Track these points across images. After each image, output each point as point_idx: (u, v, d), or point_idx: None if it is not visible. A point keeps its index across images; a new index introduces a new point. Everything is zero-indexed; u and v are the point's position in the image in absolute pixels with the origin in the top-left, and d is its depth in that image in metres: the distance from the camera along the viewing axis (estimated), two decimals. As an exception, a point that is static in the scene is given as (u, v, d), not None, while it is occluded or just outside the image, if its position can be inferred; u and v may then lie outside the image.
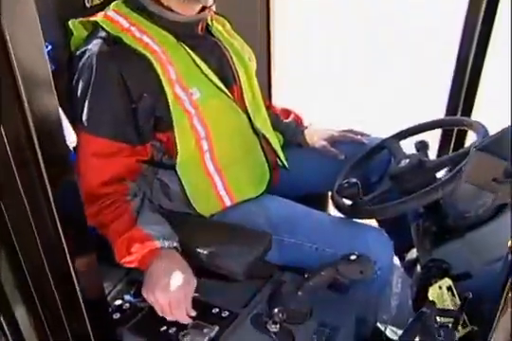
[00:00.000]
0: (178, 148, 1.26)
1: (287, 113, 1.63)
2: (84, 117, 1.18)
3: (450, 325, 0.96)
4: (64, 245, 0.94)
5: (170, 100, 1.20)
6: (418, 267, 1.44)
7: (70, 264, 0.97)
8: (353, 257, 1.07)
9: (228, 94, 1.30)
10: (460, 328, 1.08)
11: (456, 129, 1.66)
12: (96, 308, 1.05)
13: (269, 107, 1.60)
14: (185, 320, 1.12)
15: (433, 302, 0.97)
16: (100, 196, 1.20)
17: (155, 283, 1.11)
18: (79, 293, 1.01)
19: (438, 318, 0.98)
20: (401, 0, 4.52)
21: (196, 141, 1.28)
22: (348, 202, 1.31)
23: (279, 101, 1.77)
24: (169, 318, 1.12)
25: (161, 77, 1.19)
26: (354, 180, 1.26)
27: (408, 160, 1.32)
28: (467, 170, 0.75)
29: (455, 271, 1.26)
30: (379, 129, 1.60)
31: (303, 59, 3.83)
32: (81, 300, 1.01)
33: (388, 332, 1.68)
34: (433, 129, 1.45)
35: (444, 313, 0.99)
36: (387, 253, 1.28)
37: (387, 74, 3.49)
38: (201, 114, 1.26)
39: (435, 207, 1.33)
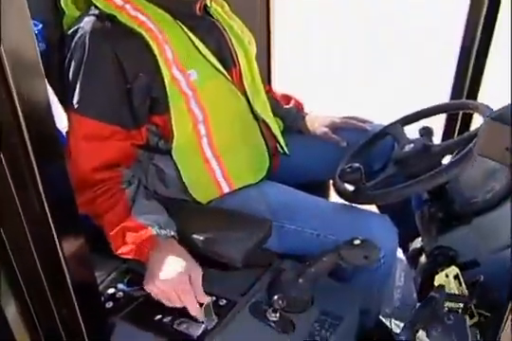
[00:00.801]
0: (174, 132, 1.21)
1: (288, 98, 1.59)
2: (76, 98, 1.13)
3: (460, 311, 0.91)
4: (53, 231, 0.90)
5: (166, 81, 1.16)
6: (423, 257, 1.40)
7: (59, 250, 0.93)
8: (356, 241, 1.03)
9: (227, 76, 1.25)
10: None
11: (460, 117, 1.61)
12: (86, 295, 1.01)
13: (269, 92, 1.56)
14: (195, 307, 1.05)
15: (442, 287, 0.93)
16: (94, 183, 1.15)
17: (157, 273, 1.05)
18: (68, 279, 0.96)
19: (447, 304, 0.93)
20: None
21: (193, 125, 1.23)
22: (350, 187, 1.27)
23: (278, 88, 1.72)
24: (178, 305, 1.05)
25: (158, 56, 1.14)
26: (357, 165, 1.21)
27: (412, 145, 1.27)
28: (480, 140, 0.70)
29: (462, 259, 1.21)
30: (383, 117, 1.56)
31: (303, 53, 3.79)
32: (70, 287, 0.97)
33: (391, 325, 1.63)
34: (438, 113, 1.40)
35: (453, 298, 0.94)
36: (391, 240, 1.23)
37: (387, 73, 3.46)
38: (199, 96, 1.21)
39: (441, 193, 1.29)
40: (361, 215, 1.25)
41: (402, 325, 1.65)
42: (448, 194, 1.28)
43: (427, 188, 1.14)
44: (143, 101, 1.16)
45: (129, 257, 1.11)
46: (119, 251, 1.11)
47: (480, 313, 0.93)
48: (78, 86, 1.13)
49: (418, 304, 0.88)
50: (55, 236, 0.91)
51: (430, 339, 0.86)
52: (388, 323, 1.61)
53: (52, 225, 0.90)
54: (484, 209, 1.16)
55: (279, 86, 1.74)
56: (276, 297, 1.03)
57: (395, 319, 1.68)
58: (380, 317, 1.54)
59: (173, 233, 1.12)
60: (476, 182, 1.27)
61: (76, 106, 1.13)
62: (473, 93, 1.51)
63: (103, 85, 1.13)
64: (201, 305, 1.04)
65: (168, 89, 1.16)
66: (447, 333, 0.85)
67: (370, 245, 1.02)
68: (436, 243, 1.22)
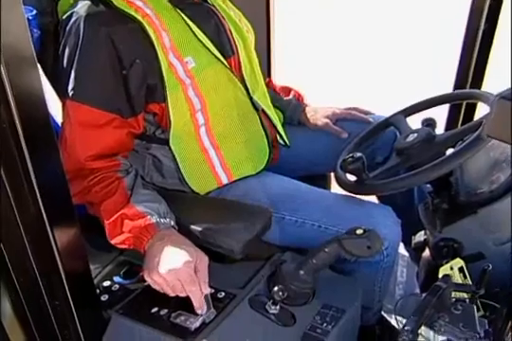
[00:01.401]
0: (172, 120, 1.18)
1: (288, 90, 1.56)
2: (71, 85, 1.10)
3: (468, 301, 0.88)
4: (46, 221, 0.88)
5: (163, 68, 1.13)
6: (427, 251, 1.37)
7: (52, 240, 0.90)
8: (359, 231, 0.99)
9: (226, 64, 1.22)
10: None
11: (464, 108, 1.58)
12: (80, 287, 0.98)
13: (269, 84, 1.53)
14: (200, 298, 1.01)
15: (448, 276, 0.90)
16: (90, 172, 1.12)
17: (159, 262, 1.01)
18: (61, 270, 0.93)
19: (454, 294, 0.89)
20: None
21: (191, 114, 1.20)
22: (352, 178, 1.23)
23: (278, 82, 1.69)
24: (182, 295, 1.02)
25: (154, 43, 1.11)
26: (359, 154, 1.17)
27: (416, 135, 1.24)
28: (489, 121, 0.67)
29: (467, 251, 1.18)
30: (384, 109, 1.53)
31: (304, 46, 3.75)
32: (63, 278, 0.94)
33: (393, 322, 1.60)
34: (442, 104, 1.37)
35: (460, 287, 0.91)
36: (395, 231, 1.19)
37: (389, 64, 3.43)
38: (197, 84, 1.18)
39: (445, 184, 1.25)
40: (364, 206, 1.22)
41: (404, 321, 1.64)
42: (451, 185, 1.25)
43: (431, 177, 1.10)
44: (140, 88, 1.13)
45: (125, 247, 1.08)
46: (116, 240, 1.08)
47: (488, 303, 0.89)
48: (72, 73, 1.10)
49: (424, 294, 0.85)
50: (48, 226, 0.89)
51: (438, 329, 0.83)
52: (390, 319, 1.59)
53: (45, 216, 0.88)
54: (489, 200, 1.13)
55: (279, 79, 1.71)
56: (276, 289, 1.00)
57: (397, 315, 1.66)
58: (382, 313, 1.52)
59: (172, 223, 1.09)
60: (481, 173, 1.24)
61: (71, 93, 1.10)
62: (477, 83, 1.47)
63: (99, 72, 1.10)
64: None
65: (165, 76, 1.13)
66: (455, 323, 0.82)
67: (373, 235, 0.98)
68: (440, 235, 1.18)
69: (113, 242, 1.09)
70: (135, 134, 1.18)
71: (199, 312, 1.01)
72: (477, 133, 1.09)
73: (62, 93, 1.14)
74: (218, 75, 1.22)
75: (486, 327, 0.82)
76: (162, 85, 1.14)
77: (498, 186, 1.13)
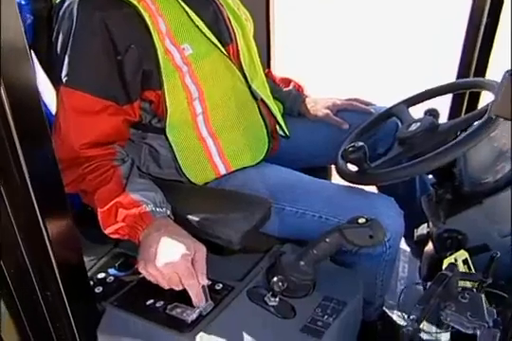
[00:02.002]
0: (168, 108, 1.15)
1: (287, 81, 1.53)
2: (64, 71, 1.07)
3: (475, 290, 0.85)
4: (37, 211, 0.85)
5: (159, 54, 1.10)
6: (429, 245, 1.33)
7: (44, 230, 0.87)
8: (361, 220, 0.96)
9: (224, 51, 1.19)
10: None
11: (467, 99, 1.55)
12: (73, 277, 0.95)
13: (268, 75, 1.50)
14: (198, 291, 0.98)
15: (454, 264, 0.86)
16: (85, 160, 1.09)
17: (155, 254, 0.98)
18: (53, 260, 0.90)
19: (460, 283, 0.86)
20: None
21: (188, 102, 1.17)
22: (353, 168, 1.20)
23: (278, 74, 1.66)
24: (178, 289, 0.98)
25: (150, 28, 1.08)
26: (360, 143, 1.14)
27: (418, 124, 1.21)
28: (497, 100, 0.65)
29: (472, 243, 1.15)
30: (385, 101, 1.50)
31: (304, 36, 3.70)
32: (55, 268, 0.91)
33: (395, 318, 1.57)
34: (445, 94, 1.34)
35: (467, 276, 0.88)
36: (398, 223, 1.16)
37: (391, 55, 3.39)
38: (194, 72, 1.15)
39: (448, 176, 1.22)
40: (366, 196, 1.19)
41: (406, 316, 1.61)
42: (455, 176, 1.22)
43: (434, 166, 1.07)
44: (135, 74, 1.10)
45: (119, 237, 1.05)
46: (109, 230, 1.04)
47: (494, 295, 0.86)
48: (66, 58, 1.07)
49: (429, 283, 0.82)
50: (39, 216, 0.86)
51: (444, 318, 0.80)
52: (392, 315, 1.56)
53: (36, 206, 0.85)
54: (494, 189, 1.10)
55: (279, 71, 1.68)
56: (275, 279, 0.97)
57: (399, 311, 1.63)
58: (384, 309, 1.49)
59: (169, 212, 1.06)
60: (485, 163, 1.20)
61: (64, 79, 1.07)
62: (481, 72, 1.44)
63: (93, 57, 1.08)
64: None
65: (161, 63, 1.10)
66: (462, 312, 0.79)
67: (375, 224, 0.95)
68: (444, 227, 1.15)
69: (107, 231, 1.06)
70: (130, 121, 1.15)
71: (197, 305, 0.98)
72: (481, 120, 1.06)
73: (56, 79, 1.11)
74: (216, 63, 1.19)
75: (495, 316, 0.79)
76: (158, 72, 1.11)
77: (503, 175, 1.10)
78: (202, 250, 0.99)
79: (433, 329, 1.55)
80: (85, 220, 1.30)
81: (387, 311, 1.51)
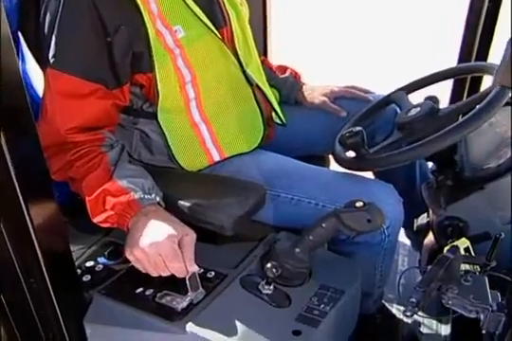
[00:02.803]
0: (160, 92, 1.11)
1: (284, 68, 1.49)
2: (51, 53, 1.03)
3: (478, 273, 0.81)
4: (20, 197, 0.81)
5: (150, 36, 1.06)
6: (429, 236, 1.30)
7: (27, 215, 0.83)
8: (358, 203, 0.92)
9: (218, 34, 1.15)
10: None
11: (468, 86, 1.51)
12: (59, 265, 0.91)
13: (264, 62, 1.46)
14: (185, 277, 0.94)
15: (456, 247, 0.83)
16: (73, 146, 1.05)
17: (142, 236, 0.95)
18: (37, 247, 0.87)
19: (463, 267, 0.82)
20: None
21: (181, 86, 1.13)
22: (351, 154, 1.16)
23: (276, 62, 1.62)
24: (165, 274, 0.95)
25: (141, 8, 1.04)
26: (358, 128, 1.11)
27: (418, 109, 1.17)
28: (500, 68, 0.61)
29: (473, 231, 1.11)
30: (385, 89, 1.46)
31: (301, 22, 3.63)
32: (39, 255, 0.87)
33: (395, 311, 1.54)
34: (445, 79, 1.30)
35: (470, 259, 0.84)
36: (397, 210, 1.12)
37: (390, 42, 3.32)
38: (186, 55, 1.11)
39: (449, 163, 1.19)
40: (364, 183, 1.15)
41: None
42: (456, 162, 1.18)
43: (434, 150, 1.03)
44: (125, 56, 1.06)
45: (109, 225, 1.02)
46: (98, 218, 1.01)
47: (498, 281, 0.82)
48: (53, 39, 1.04)
49: (429, 267, 0.78)
50: (22, 202, 0.83)
51: (446, 302, 0.76)
52: (391, 308, 1.52)
53: (19, 192, 0.81)
54: (496, 174, 1.06)
55: (276, 59, 1.65)
56: (269, 265, 0.93)
57: (398, 305, 1.59)
58: (383, 302, 1.45)
59: (158, 199, 1.02)
60: (487, 149, 1.17)
61: (52, 61, 1.04)
62: (483, 56, 1.40)
63: (81, 38, 1.04)
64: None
65: (152, 44, 1.07)
66: (465, 295, 0.75)
67: (373, 208, 0.92)
68: (445, 214, 1.11)
69: (95, 220, 1.02)
70: (120, 105, 1.12)
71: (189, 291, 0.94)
72: (482, 103, 1.03)
73: (43, 61, 1.07)
74: (209, 46, 1.15)
75: (499, 300, 0.75)
76: (149, 54, 1.07)
77: (505, 160, 1.07)
78: (191, 235, 0.96)
79: (433, 322, 1.53)
80: (75, 209, 1.27)
81: (386, 304, 1.47)
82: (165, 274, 0.94)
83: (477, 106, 1.04)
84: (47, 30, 1.05)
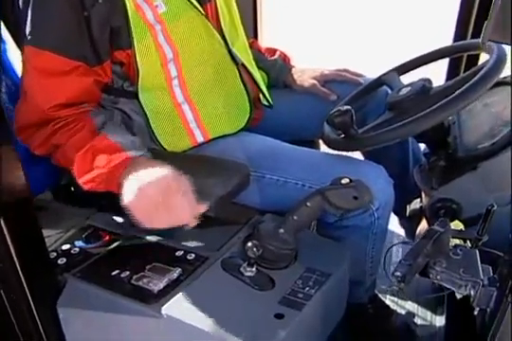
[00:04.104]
0: (140, 70, 1.07)
1: (273, 51, 1.45)
2: (28, 29, 0.99)
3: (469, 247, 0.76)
4: None
5: (129, 10, 1.02)
6: (422, 223, 1.25)
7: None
8: (344, 180, 0.88)
9: (201, 10, 1.11)
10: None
11: (464, 66, 1.46)
12: (28, 246, 0.87)
13: (253, 45, 1.42)
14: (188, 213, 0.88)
15: (446, 221, 0.78)
16: (54, 119, 1.01)
17: (138, 180, 0.88)
18: (4, 226, 0.82)
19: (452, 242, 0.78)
20: None
21: (162, 64, 1.09)
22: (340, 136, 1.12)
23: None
24: (166, 220, 0.88)
25: None
26: (347, 107, 1.06)
27: (409, 88, 1.13)
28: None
29: (466, 213, 1.06)
30: (377, 70, 1.41)
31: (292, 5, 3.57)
32: (7, 235, 0.82)
33: (388, 302, 1.49)
34: (440, 58, 1.25)
35: (460, 233, 0.80)
36: (387, 191, 1.08)
37: (383, 26, 3.26)
38: (168, 31, 1.07)
39: (443, 145, 1.15)
40: (354, 163, 1.10)
41: (399, 302, 1.53)
42: (450, 145, 1.14)
43: (426, 126, 0.98)
44: (103, 32, 1.02)
45: (95, 185, 0.95)
46: (85, 178, 0.95)
47: (491, 252, 0.77)
48: (29, 15, 0.99)
49: (417, 240, 0.73)
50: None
51: (434, 277, 0.71)
52: (384, 299, 1.47)
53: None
54: (491, 152, 1.01)
55: (267, 41, 1.60)
56: (250, 244, 0.89)
57: (392, 296, 1.54)
58: (376, 293, 1.40)
59: (148, 155, 0.97)
60: (482, 129, 1.13)
61: (29, 38, 0.99)
62: (479, 35, 1.35)
63: (57, 12, 0.99)
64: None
65: (131, 19, 1.02)
66: (454, 269, 0.70)
67: (360, 185, 0.87)
68: (437, 196, 1.06)
69: (81, 180, 0.96)
70: (101, 82, 1.07)
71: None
72: (475, 78, 0.98)
73: (20, 38, 1.03)
74: (192, 22, 1.11)
75: (491, 274, 0.70)
76: (128, 29, 1.03)
77: (500, 137, 1.02)
78: (185, 181, 0.89)
79: (428, 313, 1.48)
80: (56, 192, 1.23)
81: (380, 295, 1.43)
82: (168, 220, 0.87)
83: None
84: (23, 5, 1.00)
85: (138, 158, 0.94)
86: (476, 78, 0.99)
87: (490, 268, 0.72)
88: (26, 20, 1.00)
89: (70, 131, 0.99)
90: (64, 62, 1.00)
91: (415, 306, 1.48)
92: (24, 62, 1.03)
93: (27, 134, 1.04)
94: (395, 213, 1.45)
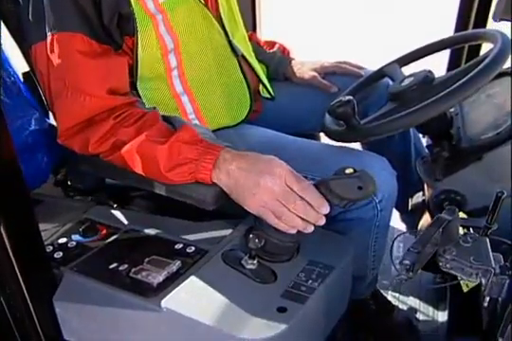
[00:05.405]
0: (139, 58, 1.05)
1: (272, 44, 1.43)
2: (52, 19, 0.95)
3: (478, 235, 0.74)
4: None
5: (132, 0, 1.00)
6: (425, 217, 1.23)
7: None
8: (348, 170, 0.86)
9: (201, 0, 1.09)
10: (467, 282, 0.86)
11: (465, 58, 1.44)
12: (23, 239, 0.84)
13: (251, 37, 1.40)
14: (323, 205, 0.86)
15: (454, 209, 0.76)
16: (107, 113, 0.96)
17: (249, 183, 0.86)
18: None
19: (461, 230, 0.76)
20: None
21: (163, 54, 1.07)
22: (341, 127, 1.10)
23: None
24: (290, 221, 0.86)
25: None
26: (348, 97, 1.04)
27: (412, 78, 1.11)
28: (500, 5, 0.55)
29: (471, 205, 1.04)
30: (378, 63, 1.39)
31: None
32: (2, 228, 0.80)
33: (390, 298, 1.47)
34: (442, 49, 1.23)
35: (469, 221, 0.77)
36: (391, 183, 1.06)
37: (384, 19, 3.23)
38: (169, 21, 1.05)
39: (446, 136, 1.13)
40: (356, 155, 1.08)
41: (401, 297, 1.51)
42: (453, 137, 1.12)
43: (429, 115, 0.96)
44: (111, 18, 0.99)
45: (183, 179, 0.90)
46: (174, 172, 0.89)
47: (501, 241, 0.75)
48: (48, 8, 0.95)
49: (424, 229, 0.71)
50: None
51: (443, 265, 0.69)
52: (386, 295, 1.46)
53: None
54: (495, 142, 0.99)
55: (266, 34, 1.58)
56: (251, 236, 0.86)
57: (393, 291, 1.53)
58: (378, 288, 1.38)
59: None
60: (485, 120, 1.11)
61: (57, 25, 0.95)
62: (481, 25, 1.33)
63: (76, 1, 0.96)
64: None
65: (134, 8, 1.00)
66: (464, 257, 0.68)
67: (364, 174, 0.85)
68: (441, 187, 1.04)
69: (170, 174, 0.89)
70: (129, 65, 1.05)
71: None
72: (479, 67, 0.97)
73: (38, 33, 0.97)
74: (192, 12, 1.09)
75: (502, 262, 0.68)
76: (133, 17, 1.01)
77: (505, 127, 1.00)
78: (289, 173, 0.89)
79: (430, 309, 1.46)
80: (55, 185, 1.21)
81: (381, 291, 1.41)
82: (291, 221, 0.86)
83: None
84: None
85: (227, 148, 0.90)
86: (480, 66, 0.97)
87: (501, 256, 0.70)
88: (42, 12, 0.96)
89: (135, 124, 0.93)
90: (97, 45, 0.97)
91: (417, 301, 1.47)
92: (54, 53, 0.96)
93: (75, 134, 0.97)
94: (397, 208, 1.43)
